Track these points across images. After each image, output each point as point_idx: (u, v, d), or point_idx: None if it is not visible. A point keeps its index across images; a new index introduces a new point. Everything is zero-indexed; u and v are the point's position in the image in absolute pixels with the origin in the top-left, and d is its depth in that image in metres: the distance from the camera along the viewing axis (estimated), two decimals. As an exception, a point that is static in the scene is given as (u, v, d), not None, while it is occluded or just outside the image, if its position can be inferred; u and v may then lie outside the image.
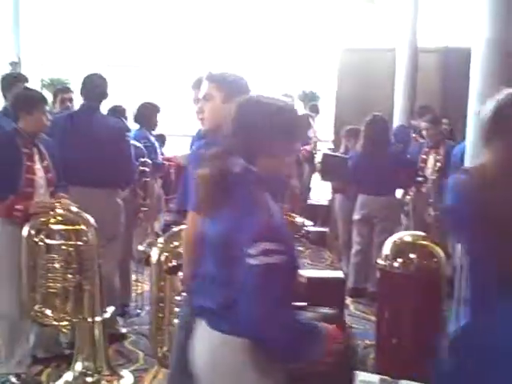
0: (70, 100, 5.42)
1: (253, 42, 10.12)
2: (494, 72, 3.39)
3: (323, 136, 8.20)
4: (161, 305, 3.00)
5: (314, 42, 9.81)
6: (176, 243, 2.92)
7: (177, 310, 2.96)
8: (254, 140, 1.90)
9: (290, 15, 9.81)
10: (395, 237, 3.86)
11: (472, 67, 3.51)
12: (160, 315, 3.02)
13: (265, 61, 9.88)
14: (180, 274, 2.57)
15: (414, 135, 6.46)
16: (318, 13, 9.74)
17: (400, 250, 3.70)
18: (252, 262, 1.76)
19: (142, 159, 5.13)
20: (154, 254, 2.96)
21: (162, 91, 10.16)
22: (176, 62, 10.71)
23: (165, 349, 3.06)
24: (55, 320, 3.65)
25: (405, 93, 6.99)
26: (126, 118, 5.57)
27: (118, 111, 5.26)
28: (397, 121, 6.90)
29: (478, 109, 3.44)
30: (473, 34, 3.50)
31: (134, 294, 5.32)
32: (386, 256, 3.73)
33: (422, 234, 4.00)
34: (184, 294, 2.70)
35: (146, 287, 5.45)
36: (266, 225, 1.80)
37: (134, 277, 5.37)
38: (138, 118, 5.93)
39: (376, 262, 3.93)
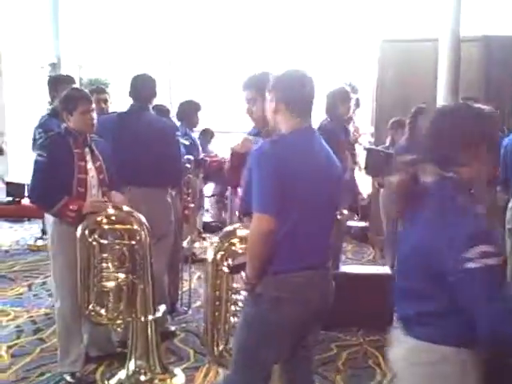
0: (105, 101, 5.37)
1: (290, 34, 10.04)
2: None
3: (362, 129, 8.12)
4: (217, 303, 2.99)
5: (354, 33, 9.71)
6: (232, 241, 2.91)
7: (233, 308, 2.97)
8: (458, 148, 1.90)
9: (329, 5, 9.74)
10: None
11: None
12: (216, 314, 3.02)
13: (303, 52, 9.81)
14: (242, 273, 2.56)
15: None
16: (357, 3, 9.64)
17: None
18: (471, 265, 1.74)
19: (186, 156, 5.16)
20: (210, 253, 2.95)
21: (199, 88, 10.15)
22: (217, 59, 10.69)
23: (221, 347, 3.06)
24: (109, 319, 3.69)
25: (447, 83, 6.83)
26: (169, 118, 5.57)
27: (161, 111, 5.26)
28: (440, 112, 6.79)
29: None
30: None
31: (179, 292, 5.36)
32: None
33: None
34: (244, 292, 2.70)
35: (192, 285, 5.49)
36: (480, 228, 1.81)
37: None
38: (179, 115, 5.98)
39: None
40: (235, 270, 2.74)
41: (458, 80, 6.89)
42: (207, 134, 7.96)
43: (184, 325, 4.85)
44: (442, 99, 6.91)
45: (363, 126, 8.15)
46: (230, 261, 2.89)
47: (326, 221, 2.64)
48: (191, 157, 5.27)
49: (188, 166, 5.14)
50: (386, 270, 5.08)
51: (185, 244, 5.45)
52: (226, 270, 2.88)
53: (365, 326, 4.64)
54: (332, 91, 4.99)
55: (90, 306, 3.61)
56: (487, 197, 5.62)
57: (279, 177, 2.37)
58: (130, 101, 4.43)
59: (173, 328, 4.68)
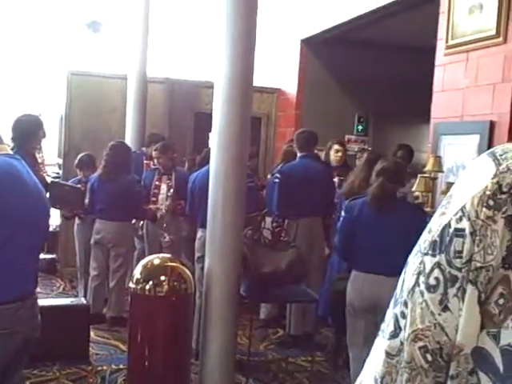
0: None
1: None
2: (234, 104, 3.78)
3: (49, 160, 8.00)
4: None
5: (41, 65, 9.51)
6: None
7: None
8: None
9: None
10: (145, 260, 3.99)
11: (215, 100, 3.86)
12: None
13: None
14: None
15: (146, 162, 6.67)
16: (43, 36, 9.49)
17: (150, 272, 3.82)
18: None
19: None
20: None
21: None
22: None
23: None
24: None
25: (135, 119, 7.18)
26: None
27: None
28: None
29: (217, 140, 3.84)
30: (215, 70, 3.87)
31: None
32: (137, 280, 3.81)
33: (169, 256, 4.19)
34: None
35: None
36: None
37: None
38: None
39: (128, 287, 4.00)
40: None
41: (144, 116, 7.30)
42: None
43: None
44: (129, 133, 7.23)
45: (50, 157, 8.05)
46: None
47: (34, 250, 2.61)
48: None
49: None
50: (80, 300, 5.08)
51: None
52: None
53: (60, 360, 4.56)
54: (26, 119, 4.83)
55: None
56: (174, 228, 6.07)
57: None
58: None
59: None
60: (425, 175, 4.42)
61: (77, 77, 7.48)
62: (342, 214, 3.98)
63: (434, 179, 4.43)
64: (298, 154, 5.49)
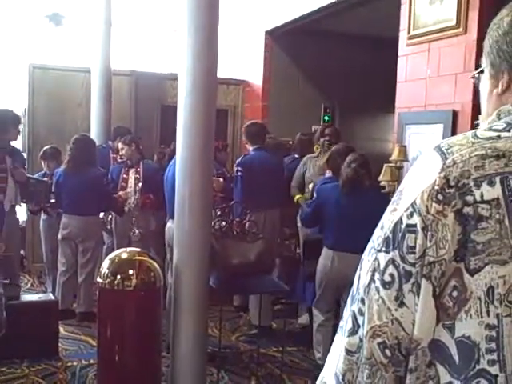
0: None
1: None
2: (198, 96, 3.76)
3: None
4: None
5: (2, 58, 9.30)
6: None
7: None
8: None
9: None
10: (113, 254, 3.96)
11: (179, 93, 3.83)
12: None
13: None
14: None
15: (113, 155, 6.61)
16: (4, 29, 9.27)
17: (118, 266, 3.80)
18: None
19: None
20: None
21: None
22: None
23: None
24: None
25: (100, 112, 7.10)
26: None
27: None
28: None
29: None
30: (178, 63, 3.85)
31: None
32: (105, 274, 3.79)
33: (137, 249, 4.16)
34: None
35: None
36: None
37: None
38: None
39: (96, 282, 3.96)
40: None
41: (110, 110, 7.22)
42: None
43: None
44: (95, 127, 7.15)
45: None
46: None
47: None
48: None
49: None
50: (48, 296, 5.03)
51: None
52: None
53: (29, 356, 4.52)
54: (3, 114, 4.74)
55: None
56: (143, 222, 6.04)
57: None
58: None
59: None
60: (390, 164, 4.47)
61: (39, 70, 7.36)
62: (314, 195, 4.60)
63: (400, 168, 4.49)
64: (251, 147, 5.55)
